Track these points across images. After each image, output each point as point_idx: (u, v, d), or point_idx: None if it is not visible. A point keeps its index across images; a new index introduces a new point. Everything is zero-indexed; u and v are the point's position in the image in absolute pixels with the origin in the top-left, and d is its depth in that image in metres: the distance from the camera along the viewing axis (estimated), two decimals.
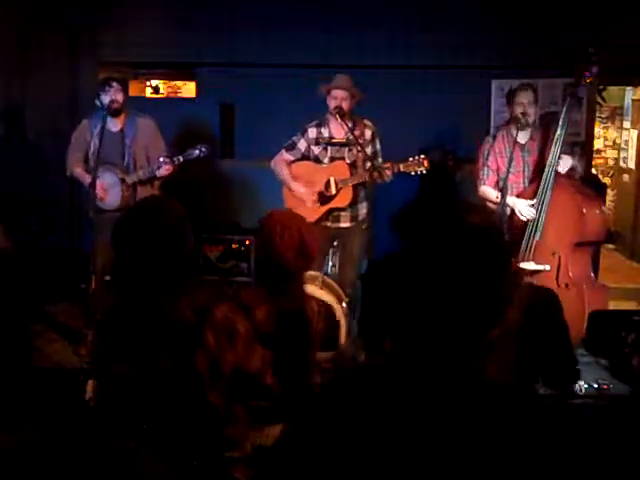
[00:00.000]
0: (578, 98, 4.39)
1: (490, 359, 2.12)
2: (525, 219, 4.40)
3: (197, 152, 4.67)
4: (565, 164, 4.39)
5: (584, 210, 4.29)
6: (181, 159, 4.67)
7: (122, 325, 2.03)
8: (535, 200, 4.37)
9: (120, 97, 4.70)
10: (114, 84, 4.69)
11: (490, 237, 1.43)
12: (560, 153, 4.32)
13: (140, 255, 2.03)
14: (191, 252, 2.12)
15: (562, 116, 4.30)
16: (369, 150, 4.65)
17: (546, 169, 4.33)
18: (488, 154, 4.68)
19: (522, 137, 4.60)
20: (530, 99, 4.52)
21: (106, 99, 4.64)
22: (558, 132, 4.31)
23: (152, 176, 4.74)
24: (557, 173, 4.34)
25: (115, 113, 4.70)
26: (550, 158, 4.32)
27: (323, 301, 3.58)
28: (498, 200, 4.45)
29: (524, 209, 4.40)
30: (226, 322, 1.98)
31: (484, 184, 4.73)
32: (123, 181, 4.74)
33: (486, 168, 4.70)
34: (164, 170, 4.66)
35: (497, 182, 4.67)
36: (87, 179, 4.68)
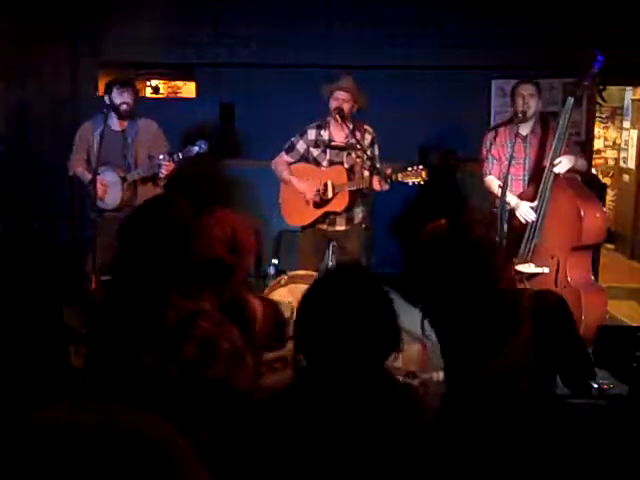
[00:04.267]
0: (577, 98, 4.38)
1: (506, 366, 2.18)
2: (525, 221, 4.40)
3: (197, 148, 4.63)
4: (564, 165, 4.36)
5: (582, 214, 4.26)
6: (180, 156, 4.65)
7: (112, 323, 2.01)
8: (536, 202, 4.37)
9: (132, 101, 4.72)
10: (130, 88, 4.73)
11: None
12: (559, 154, 4.31)
13: (142, 253, 2.01)
14: (198, 254, 2.09)
15: (562, 117, 4.29)
16: (368, 154, 4.64)
17: (546, 171, 4.33)
18: (491, 144, 4.68)
19: (524, 129, 4.59)
20: (531, 92, 4.52)
21: (118, 99, 4.65)
22: (558, 133, 4.30)
23: (153, 175, 4.73)
24: (557, 175, 4.33)
25: (123, 115, 4.72)
26: (550, 160, 4.32)
27: (271, 300, 3.51)
28: (499, 194, 4.45)
29: (525, 212, 4.39)
30: (208, 337, 1.89)
31: (489, 174, 4.72)
32: (124, 180, 4.74)
33: (490, 157, 4.70)
34: (165, 169, 4.65)
35: (501, 171, 4.66)
36: (88, 177, 4.70)
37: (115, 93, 4.67)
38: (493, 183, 4.69)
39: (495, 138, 4.67)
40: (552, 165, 4.30)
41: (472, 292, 2.35)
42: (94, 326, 2.11)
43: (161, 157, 4.64)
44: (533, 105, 4.52)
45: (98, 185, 4.66)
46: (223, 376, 1.88)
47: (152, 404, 1.82)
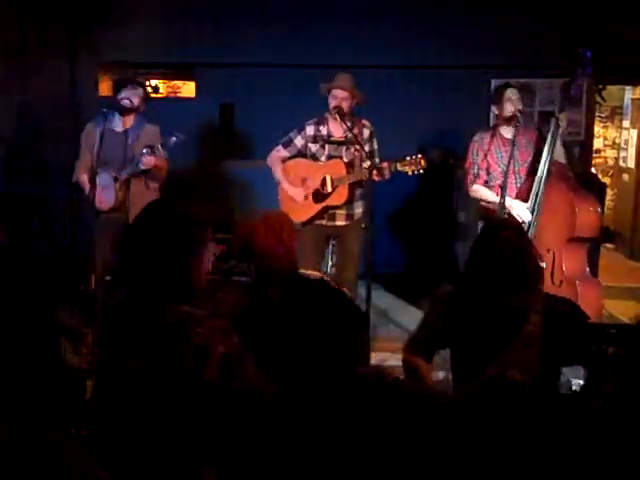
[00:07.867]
0: (570, 98, 4.41)
1: (516, 358, 2.29)
2: (521, 220, 4.43)
3: (174, 139, 4.65)
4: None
5: (576, 207, 4.33)
6: (160, 147, 4.66)
7: (124, 326, 2.03)
8: (529, 203, 4.41)
9: (136, 101, 4.70)
10: (139, 88, 4.75)
11: None
12: (552, 153, 4.34)
13: (145, 260, 2.03)
14: (200, 259, 2.12)
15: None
16: (366, 149, 4.65)
17: (539, 171, 4.36)
18: (478, 153, 4.68)
19: (508, 132, 4.60)
20: (517, 95, 4.55)
21: (122, 95, 4.66)
22: (550, 133, 4.33)
23: (137, 170, 4.72)
24: (550, 172, 4.36)
25: (123, 111, 4.70)
26: (542, 159, 4.34)
27: None
28: (498, 200, 4.46)
29: (521, 212, 4.42)
30: (203, 343, 1.90)
31: (475, 183, 4.73)
32: (116, 180, 4.74)
33: (476, 167, 4.69)
34: (146, 161, 4.64)
35: (486, 181, 4.68)
36: (87, 185, 4.67)
37: (125, 90, 4.68)
38: (483, 192, 4.68)
39: (482, 146, 4.67)
40: (544, 165, 4.33)
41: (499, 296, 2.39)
42: (105, 333, 2.13)
43: (144, 151, 4.65)
44: (521, 109, 4.54)
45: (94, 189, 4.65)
46: (217, 379, 1.89)
47: (157, 409, 1.83)
